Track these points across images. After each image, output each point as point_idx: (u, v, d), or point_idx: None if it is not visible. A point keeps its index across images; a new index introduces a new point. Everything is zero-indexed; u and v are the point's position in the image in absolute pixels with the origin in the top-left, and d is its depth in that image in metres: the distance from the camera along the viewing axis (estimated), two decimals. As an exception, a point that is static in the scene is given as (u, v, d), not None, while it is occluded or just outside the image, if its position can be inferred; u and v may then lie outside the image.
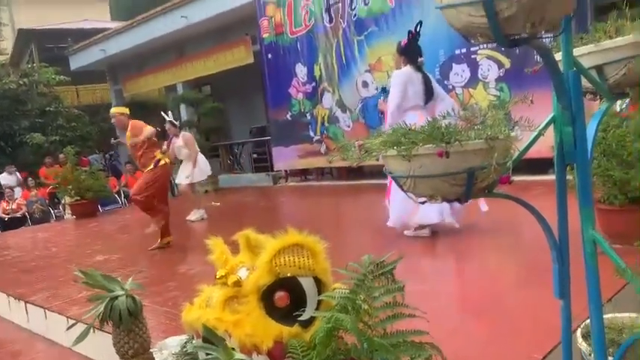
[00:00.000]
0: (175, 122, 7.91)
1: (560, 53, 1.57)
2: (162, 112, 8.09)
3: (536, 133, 1.48)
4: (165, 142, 7.25)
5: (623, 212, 3.45)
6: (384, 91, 4.84)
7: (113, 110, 6.32)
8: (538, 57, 6.97)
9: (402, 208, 4.54)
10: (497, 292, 3.25)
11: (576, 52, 1.60)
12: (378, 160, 1.49)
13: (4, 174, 13.70)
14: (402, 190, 1.50)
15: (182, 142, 7.65)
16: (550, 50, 1.42)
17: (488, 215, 4.77)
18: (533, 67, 7.12)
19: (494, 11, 1.15)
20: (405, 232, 4.73)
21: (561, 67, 1.54)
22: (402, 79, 4.57)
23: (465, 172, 1.34)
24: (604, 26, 1.69)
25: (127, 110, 6.19)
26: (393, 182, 1.62)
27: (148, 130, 5.81)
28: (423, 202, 1.57)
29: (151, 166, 5.79)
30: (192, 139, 7.97)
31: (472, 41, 1.29)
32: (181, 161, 7.91)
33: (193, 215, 7.70)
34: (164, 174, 5.94)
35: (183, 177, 7.87)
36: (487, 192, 1.45)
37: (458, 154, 1.32)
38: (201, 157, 7.97)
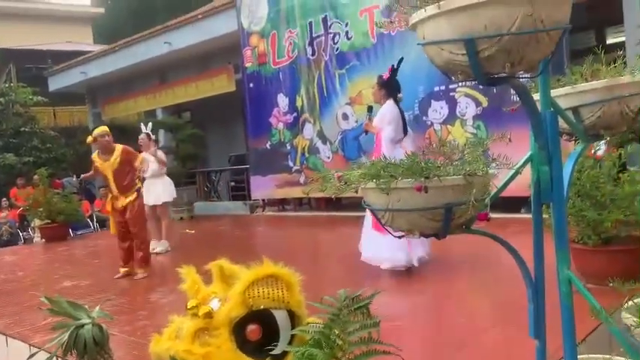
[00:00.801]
0: (152, 135, 7.40)
1: (538, 94, 1.60)
2: (141, 124, 7.64)
3: (513, 172, 1.50)
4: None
5: (596, 252, 3.49)
6: (371, 110, 4.90)
7: (101, 130, 5.70)
8: (515, 97, 7.14)
9: (378, 245, 4.55)
10: (473, 329, 3.23)
11: (553, 93, 1.63)
12: (356, 192, 1.49)
13: None
14: (380, 223, 1.50)
15: (154, 158, 7.08)
16: (528, 90, 1.44)
17: (464, 250, 4.78)
18: (510, 106, 7.29)
19: (475, 50, 1.17)
20: (382, 266, 4.70)
21: (539, 107, 1.57)
22: (395, 113, 4.68)
23: (443, 208, 1.34)
24: (580, 69, 1.74)
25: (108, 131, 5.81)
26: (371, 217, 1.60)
27: (142, 158, 5.71)
28: (400, 237, 1.56)
29: (134, 194, 5.68)
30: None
31: (452, 78, 1.31)
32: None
33: (159, 246, 7.15)
34: (142, 204, 5.86)
35: (152, 197, 7.11)
36: (465, 228, 1.45)
37: (436, 189, 1.32)
38: (166, 177, 7.51)
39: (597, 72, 1.71)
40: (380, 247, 4.63)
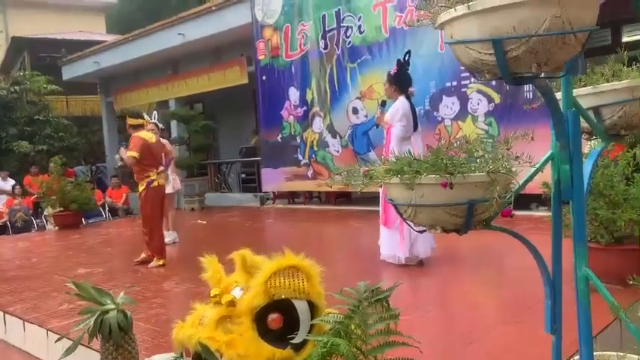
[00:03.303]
0: (159, 124, 7.19)
1: (560, 93, 1.62)
2: (144, 114, 7.30)
3: (535, 169, 1.52)
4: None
5: (609, 251, 3.51)
6: (384, 104, 4.91)
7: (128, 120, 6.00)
8: (529, 94, 7.09)
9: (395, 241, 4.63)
10: (483, 324, 3.27)
11: (575, 93, 1.65)
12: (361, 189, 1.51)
13: None
14: (402, 218, 1.53)
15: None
16: (552, 90, 1.47)
17: (474, 247, 4.81)
18: (524, 103, 7.25)
19: (503, 50, 1.20)
20: (391, 261, 4.74)
21: (561, 106, 1.59)
22: (406, 110, 4.68)
23: (466, 204, 1.37)
24: (601, 69, 1.76)
25: (135, 121, 5.95)
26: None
27: (131, 153, 5.63)
28: (421, 232, 1.59)
29: (143, 186, 5.75)
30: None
31: (479, 78, 1.34)
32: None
33: (167, 237, 6.94)
34: (155, 195, 5.82)
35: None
36: (485, 224, 1.48)
37: (460, 185, 1.35)
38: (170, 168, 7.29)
39: (619, 72, 1.73)
40: (389, 243, 4.69)
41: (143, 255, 5.84)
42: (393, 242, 4.69)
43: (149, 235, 5.80)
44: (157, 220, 5.86)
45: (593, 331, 2.67)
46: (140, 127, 5.98)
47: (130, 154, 5.64)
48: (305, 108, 10.09)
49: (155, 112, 7.54)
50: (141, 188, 5.81)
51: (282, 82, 10.38)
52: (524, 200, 6.37)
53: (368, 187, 1.53)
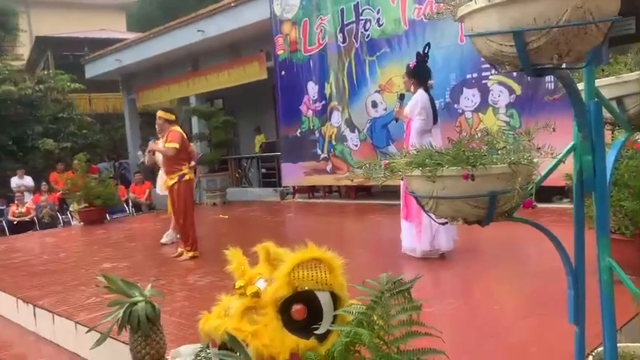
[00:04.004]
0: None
1: (582, 84, 1.62)
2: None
3: (556, 161, 1.52)
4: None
5: (634, 243, 3.46)
6: (402, 97, 4.89)
7: (158, 112, 6.16)
8: (550, 85, 7.00)
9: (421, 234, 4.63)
10: (506, 317, 3.26)
11: (597, 83, 1.64)
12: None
13: (15, 178, 13.80)
14: (424, 210, 1.54)
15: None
16: (573, 81, 1.46)
17: (496, 240, 4.78)
18: (545, 94, 7.14)
19: (524, 42, 1.20)
20: (413, 254, 4.75)
21: (583, 97, 1.58)
22: (426, 104, 4.67)
23: (488, 195, 1.38)
24: (625, 59, 1.74)
25: (171, 116, 6.09)
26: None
27: (172, 144, 5.79)
28: (443, 224, 1.61)
29: (175, 180, 5.84)
30: None
31: (499, 69, 1.34)
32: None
33: (165, 237, 7.01)
34: (187, 189, 5.96)
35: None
36: (507, 216, 1.49)
37: (481, 177, 1.36)
38: None
39: (642, 62, 1.72)
40: (411, 237, 4.70)
41: (180, 249, 5.96)
42: (413, 236, 4.69)
43: (183, 228, 5.90)
44: (190, 213, 5.96)
45: (617, 323, 2.65)
46: (174, 122, 6.10)
47: (171, 145, 5.78)
48: (323, 102, 10.10)
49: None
50: (171, 182, 5.89)
51: (301, 77, 10.41)
52: (547, 193, 6.30)
53: (389, 181, 1.55)
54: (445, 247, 4.64)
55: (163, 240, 7.00)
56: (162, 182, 6.73)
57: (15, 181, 13.70)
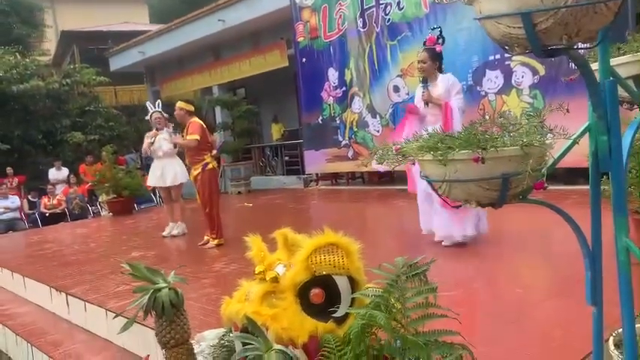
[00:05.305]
0: (164, 114, 7.00)
1: (597, 63, 1.60)
2: (146, 104, 7.22)
3: (571, 142, 1.51)
4: (151, 133, 6.86)
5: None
6: (426, 81, 4.81)
7: (177, 104, 6.21)
8: (573, 64, 6.87)
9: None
10: (528, 300, 3.25)
11: (614, 61, 1.62)
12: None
13: (53, 169, 14.14)
14: (437, 193, 1.56)
15: (168, 136, 6.79)
16: (586, 61, 1.45)
17: (519, 225, 4.73)
18: (568, 74, 6.99)
19: (532, 23, 1.20)
20: (435, 239, 4.74)
21: (598, 76, 1.56)
22: (458, 83, 4.75)
23: (500, 178, 1.38)
24: (642, 37, 1.71)
25: (190, 107, 6.21)
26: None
27: (193, 136, 5.91)
28: (457, 207, 1.62)
29: (199, 170, 5.95)
30: None
31: (510, 51, 1.34)
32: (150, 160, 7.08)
33: (176, 229, 7.01)
34: (211, 177, 6.08)
35: (170, 178, 6.91)
36: (521, 198, 1.49)
37: (493, 159, 1.36)
38: (178, 158, 7.08)
39: (661, 39, 1.68)
40: (450, 224, 4.60)
41: (206, 237, 6.08)
42: (453, 222, 4.55)
43: (209, 216, 6.01)
44: (215, 201, 6.06)
45: (636, 304, 2.63)
46: (194, 113, 6.22)
47: (192, 137, 5.92)
48: (344, 88, 10.08)
49: (159, 100, 7.37)
50: (195, 172, 6.02)
51: (322, 64, 10.39)
52: (575, 175, 6.20)
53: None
54: (476, 231, 4.59)
55: (174, 232, 6.98)
56: (179, 172, 6.91)
57: (53, 173, 14.04)
